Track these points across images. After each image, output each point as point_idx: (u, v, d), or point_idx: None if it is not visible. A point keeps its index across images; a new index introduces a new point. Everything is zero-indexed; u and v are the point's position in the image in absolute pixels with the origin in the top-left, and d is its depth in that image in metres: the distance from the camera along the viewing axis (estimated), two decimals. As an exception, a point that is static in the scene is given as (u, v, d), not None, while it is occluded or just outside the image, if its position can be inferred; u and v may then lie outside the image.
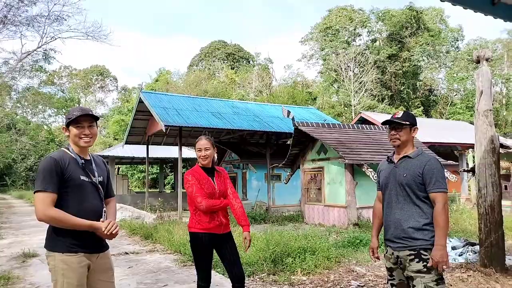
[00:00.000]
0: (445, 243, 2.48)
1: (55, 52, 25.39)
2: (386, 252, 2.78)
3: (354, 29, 39.24)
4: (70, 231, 2.28)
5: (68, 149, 2.46)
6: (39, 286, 5.06)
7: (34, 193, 2.28)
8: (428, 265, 2.49)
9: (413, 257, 2.55)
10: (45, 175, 2.27)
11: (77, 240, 2.30)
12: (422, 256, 2.52)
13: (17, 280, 5.41)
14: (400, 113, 2.77)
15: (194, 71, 48.64)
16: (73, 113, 2.44)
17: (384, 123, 2.93)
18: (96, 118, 2.51)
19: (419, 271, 2.52)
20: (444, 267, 2.47)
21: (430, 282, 2.49)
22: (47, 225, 2.39)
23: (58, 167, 2.30)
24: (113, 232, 2.34)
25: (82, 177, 2.39)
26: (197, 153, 3.37)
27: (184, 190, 3.51)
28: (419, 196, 2.61)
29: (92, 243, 2.38)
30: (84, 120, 2.43)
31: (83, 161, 2.44)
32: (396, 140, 2.75)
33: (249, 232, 3.34)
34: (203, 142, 3.37)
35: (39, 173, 2.29)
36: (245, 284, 3.32)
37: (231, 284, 3.29)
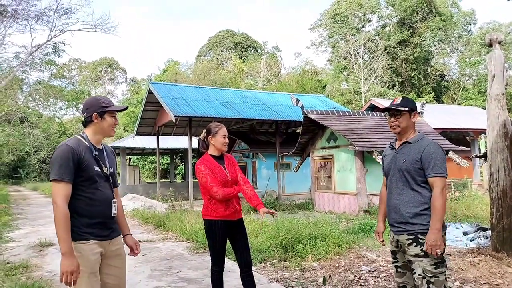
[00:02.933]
0: (440, 227, 2.47)
1: (64, 45, 25.61)
2: (390, 236, 2.83)
3: (364, 15, 38.60)
4: (82, 220, 2.30)
5: (83, 137, 2.43)
6: (56, 274, 5.19)
7: (51, 180, 2.27)
8: (423, 248, 2.51)
9: (411, 241, 2.58)
10: (61, 163, 2.24)
11: (89, 228, 2.32)
12: (420, 240, 2.54)
13: (35, 268, 5.57)
14: (398, 99, 2.77)
15: (202, 61, 48.54)
16: (106, 102, 2.48)
17: (383, 110, 2.93)
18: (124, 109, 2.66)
19: (417, 255, 2.55)
20: (438, 251, 2.45)
21: (428, 265, 2.51)
22: None
23: (75, 155, 2.29)
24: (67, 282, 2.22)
25: (96, 168, 2.40)
26: (220, 139, 3.38)
27: (195, 180, 3.57)
28: (418, 182, 2.61)
29: (103, 231, 2.41)
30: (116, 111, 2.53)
31: (96, 152, 2.44)
32: (396, 127, 2.75)
33: (263, 208, 3.28)
34: (225, 129, 3.44)
35: (56, 161, 2.26)
36: (252, 270, 3.42)
37: (239, 269, 3.39)
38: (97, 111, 2.43)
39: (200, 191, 3.50)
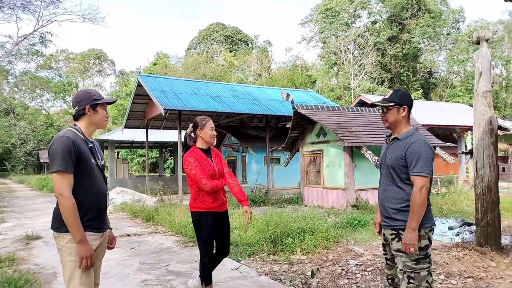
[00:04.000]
0: (415, 226, 2.47)
1: (51, 36, 25.17)
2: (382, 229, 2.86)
3: (354, 11, 38.70)
4: (82, 213, 2.31)
5: (76, 130, 2.43)
6: (44, 267, 5.16)
7: (54, 172, 2.24)
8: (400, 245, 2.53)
9: (393, 236, 2.62)
10: (64, 155, 2.25)
11: (87, 221, 2.34)
12: (401, 236, 2.56)
13: (22, 261, 5.51)
14: (388, 93, 2.76)
15: (192, 54, 48.16)
16: (98, 95, 2.52)
17: (371, 105, 2.90)
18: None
19: (398, 250, 2.59)
20: (412, 249, 2.45)
21: (408, 261, 2.54)
22: (49, 209, 2.43)
23: (76, 147, 2.30)
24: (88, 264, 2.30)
25: (92, 160, 2.42)
26: (209, 132, 3.46)
27: (184, 174, 3.65)
28: (402, 179, 2.59)
29: (99, 223, 2.45)
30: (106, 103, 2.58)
31: (91, 144, 2.47)
32: (384, 122, 2.74)
33: (249, 206, 3.51)
34: (211, 121, 3.53)
35: (58, 152, 2.25)
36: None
37: (217, 257, 3.59)
38: (90, 103, 2.46)
39: (187, 184, 3.53)
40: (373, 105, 3.15)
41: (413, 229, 2.47)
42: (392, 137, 2.76)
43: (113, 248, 2.74)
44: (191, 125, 3.57)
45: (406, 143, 2.60)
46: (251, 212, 3.51)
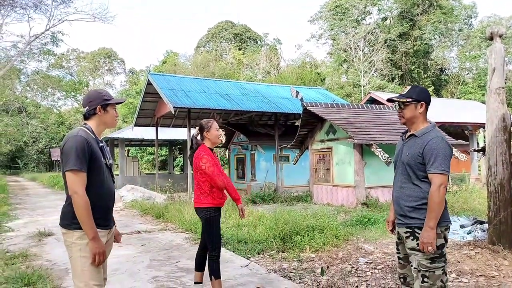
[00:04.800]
0: (433, 225, 2.43)
1: (62, 35, 25.40)
2: (396, 227, 2.82)
3: (364, 7, 38.33)
4: (92, 211, 2.34)
5: (87, 129, 2.47)
6: (56, 263, 5.23)
7: (68, 170, 2.27)
8: (418, 242, 2.50)
9: (408, 234, 2.58)
10: (78, 154, 2.28)
11: (97, 219, 2.37)
12: (416, 234, 2.53)
13: (35, 257, 5.59)
14: (406, 89, 2.71)
15: (201, 52, 48.27)
16: (108, 95, 2.57)
17: (389, 100, 2.85)
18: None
19: (413, 249, 2.56)
20: (430, 248, 2.42)
21: (423, 260, 2.50)
22: (61, 206, 2.46)
23: (89, 147, 2.35)
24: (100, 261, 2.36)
25: (102, 159, 2.46)
26: (215, 132, 3.65)
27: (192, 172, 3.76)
28: (419, 176, 2.55)
29: (106, 220, 2.50)
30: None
31: (101, 143, 2.52)
32: (401, 118, 2.69)
33: (241, 204, 3.86)
34: (216, 122, 3.72)
35: (72, 151, 2.28)
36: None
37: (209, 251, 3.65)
38: (101, 104, 2.50)
39: (197, 181, 3.61)
40: (390, 100, 3.12)
41: (431, 227, 2.43)
42: (409, 133, 2.70)
43: (119, 242, 2.82)
44: (197, 128, 3.76)
45: (423, 140, 2.55)
46: (243, 213, 3.88)
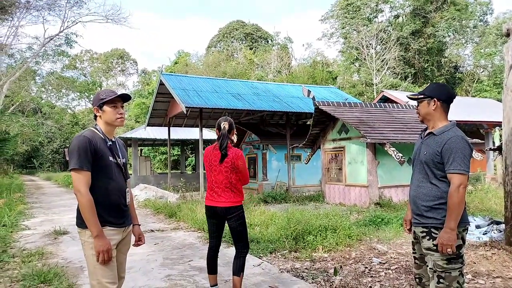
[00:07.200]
0: (454, 226, 2.37)
1: (76, 36, 25.80)
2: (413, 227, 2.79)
3: (376, 5, 37.96)
4: (100, 209, 2.38)
5: (96, 129, 2.54)
6: (71, 261, 5.31)
7: (71, 170, 2.35)
8: (435, 243, 2.46)
9: (425, 234, 2.54)
10: (80, 153, 2.34)
11: (105, 216, 2.42)
12: (433, 234, 2.49)
13: (50, 255, 5.69)
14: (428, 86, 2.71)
15: (212, 52, 48.42)
16: (105, 94, 2.55)
17: (408, 98, 2.88)
18: (129, 99, 2.66)
19: (429, 249, 2.52)
20: (449, 250, 2.37)
21: (440, 260, 2.46)
22: (75, 205, 2.50)
23: (92, 146, 2.39)
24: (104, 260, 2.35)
25: (110, 158, 2.50)
26: (234, 134, 3.70)
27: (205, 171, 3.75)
28: (437, 176, 2.50)
29: (119, 219, 2.53)
30: (118, 100, 2.57)
31: (110, 142, 2.56)
32: (418, 115, 2.68)
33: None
34: None
35: (74, 151, 2.35)
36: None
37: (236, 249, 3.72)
38: (97, 104, 2.55)
39: (230, 180, 3.54)
40: (409, 97, 3.15)
41: (451, 229, 2.38)
42: (427, 132, 2.66)
43: (141, 244, 2.83)
44: (225, 125, 3.58)
45: (442, 139, 2.50)
46: None
